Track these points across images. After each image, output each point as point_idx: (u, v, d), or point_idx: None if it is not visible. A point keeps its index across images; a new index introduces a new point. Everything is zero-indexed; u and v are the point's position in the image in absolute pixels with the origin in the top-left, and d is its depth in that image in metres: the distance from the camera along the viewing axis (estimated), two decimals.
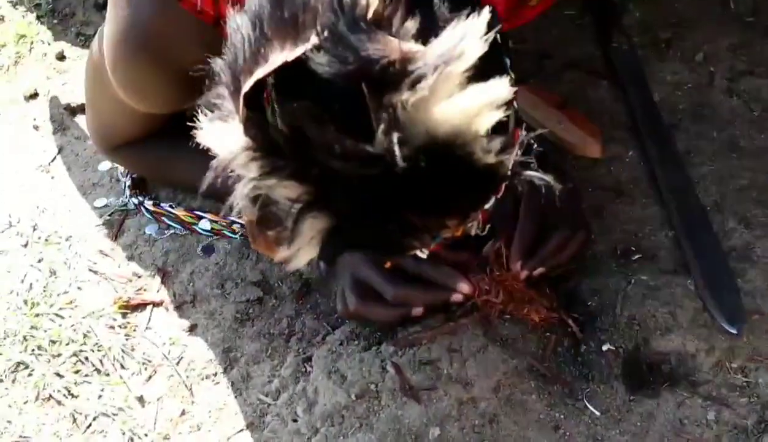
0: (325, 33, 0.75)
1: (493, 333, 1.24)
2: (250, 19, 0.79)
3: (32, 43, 1.73)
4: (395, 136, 0.74)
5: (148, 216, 1.43)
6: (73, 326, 1.32)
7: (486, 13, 0.77)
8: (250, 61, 0.78)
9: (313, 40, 0.75)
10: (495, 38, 0.78)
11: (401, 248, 0.86)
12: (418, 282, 1.20)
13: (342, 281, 1.24)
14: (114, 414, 1.23)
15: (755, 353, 1.20)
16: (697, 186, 1.38)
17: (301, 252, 0.84)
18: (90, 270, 1.38)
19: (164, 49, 1.16)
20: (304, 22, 0.76)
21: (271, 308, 1.32)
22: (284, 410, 1.21)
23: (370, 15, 0.75)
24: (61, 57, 1.70)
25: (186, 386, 1.26)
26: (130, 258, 1.40)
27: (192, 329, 1.32)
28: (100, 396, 1.25)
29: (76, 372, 1.27)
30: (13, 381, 1.27)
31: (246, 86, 0.78)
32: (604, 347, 1.23)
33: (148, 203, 1.44)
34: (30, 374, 1.28)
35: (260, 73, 0.77)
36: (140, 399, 1.25)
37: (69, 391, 1.26)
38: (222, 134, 0.81)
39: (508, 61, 0.89)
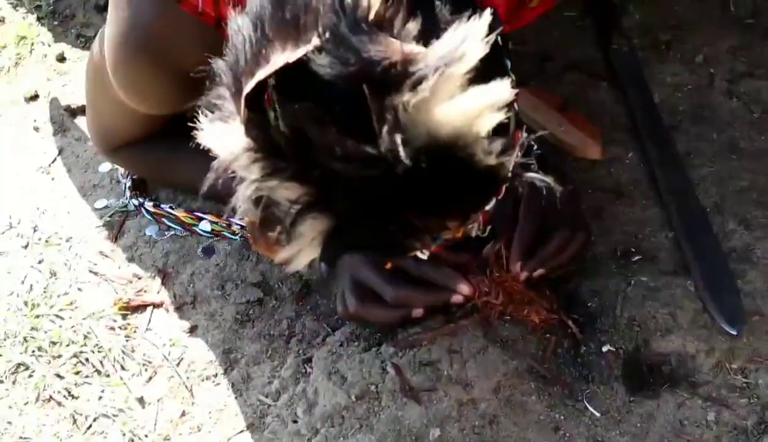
0: (327, 34, 0.75)
1: (493, 334, 1.24)
2: (252, 20, 0.79)
3: (33, 44, 1.73)
4: (397, 138, 0.74)
5: (149, 217, 1.44)
6: (73, 327, 1.32)
7: (487, 15, 0.77)
8: (251, 63, 0.78)
9: (315, 41, 0.75)
10: (496, 40, 0.78)
11: (402, 249, 0.86)
12: (418, 283, 1.20)
13: (342, 282, 1.24)
14: (114, 415, 1.23)
15: (755, 354, 1.20)
16: (697, 187, 1.38)
17: (302, 253, 0.84)
18: (90, 271, 1.38)
19: (165, 50, 1.16)
20: (305, 23, 0.76)
21: (272, 309, 1.33)
22: (284, 411, 1.22)
23: (371, 16, 0.76)
24: (61, 58, 1.70)
25: (186, 387, 1.26)
26: (131, 259, 1.40)
27: (192, 330, 1.32)
28: (100, 397, 1.25)
29: (77, 373, 1.27)
30: (14, 382, 1.27)
31: (247, 87, 0.78)
32: (604, 348, 1.23)
33: (149, 205, 1.44)
34: (30, 375, 1.28)
35: (261, 74, 0.77)
36: (140, 400, 1.25)
37: (69, 392, 1.26)
38: (223, 135, 0.81)
39: (508, 63, 0.89)
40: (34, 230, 1.44)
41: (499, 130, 0.78)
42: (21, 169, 1.54)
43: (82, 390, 1.26)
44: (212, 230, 1.40)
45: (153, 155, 1.41)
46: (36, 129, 1.60)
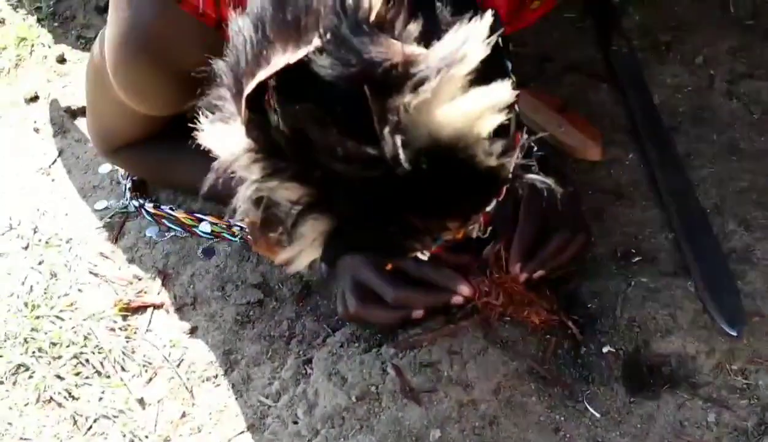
0: (328, 35, 0.75)
1: (494, 335, 1.24)
2: (252, 21, 0.79)
3: (33, 46, 1.73)
4: (398, 139, 0.74)
5: (149, 218, 1.44)
6: (73, 328, 1.32)
7: (488, 17, 0.78)
8: (252, 64, 0.78)
9: (316, 42, 0.75)
10: (497, 41, 0.78)
11: (402, 250, 0.86)
12: (418, 284, 1.20)
13: (342, 283, 1.24)
14: (114, 416, 1.24)
15: (755, 355, 1.20)
16: (697, 188, 1.38)
17: (303, 254, 0.84)
18: (90, 272, 1.38)
19: (165, 51, 1.16)
20: (306, 24, 0.76)
21: (272, 310, 1.33)
22: (285, 412, 1.22)
23: (372, 18, 0.76)
24: (61, 60, 1.70)
25: (186, 388, 1.26)
26: (131, 260, 1.40)
27: (192, 331, 1.32)
28: (100, 398, 1.25)
29: (77, 374, 1.27)
30: (14, 383, 1.27)
31: (248, 88, 0.78)
32: (605, 349, 1.23)
33: (149, 206, 1.44)
34: (31, 376, 1.28)
35: (262, 75, 0.77)
36: (141, 401, 1.25)
37: (69, 393, 1.26)
38: (224, 136, 0.81)
39: (509, 65, 0.89)
40: (35, 231, 1.44)
41: (500, 131, 0.78)
42: (21, 171, 1.54)
43: (83, 391, 1.26)
44: (212, 231, 1.40)
45: (153, 156, 1.41)
46: (36, 130, 1.60)
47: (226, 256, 1.38)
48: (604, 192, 1.40)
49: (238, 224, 1.37)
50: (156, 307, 1.34)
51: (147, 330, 1.32)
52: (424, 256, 0.91)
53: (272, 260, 0.88)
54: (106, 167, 1.52)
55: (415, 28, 0.77)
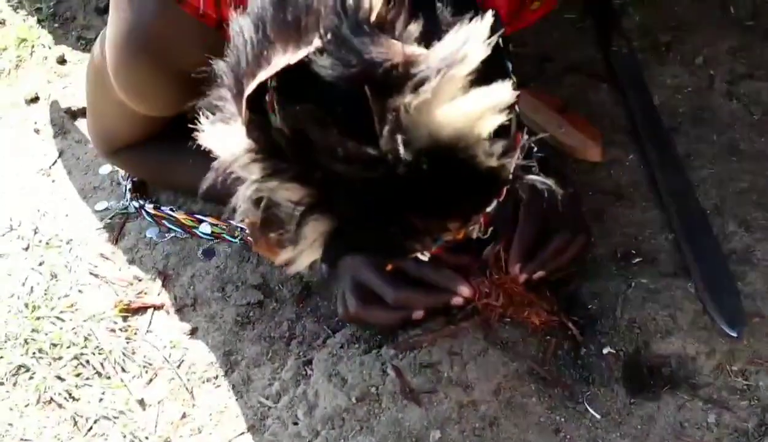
0: (328, 36, 0.75)
1: (494, 336, 1.24)
2: (253, 21, 0.79)
3: (33, 46, 1.73)
4: (399, 139, 0.74)
5: (149, 219, 1.44)
6: (74, 329, 1.32)
7: (489, 17, 0.78)
8: (252, 64, 0.78)
9: (316, 42, 0.75)
10: (497, 42, 0.78)
11: (403, 250, 0.86)
12: (418, 285, 1.20)
13: (343, 283, 1.24)
14: (115, 417, 1.23)
15: (755, 356, 1.20)
16: (697, 189, 1.38)
17: (303, 255, 0.84)
18: (91, 273, 1.38)
19: (165, 51, 1.16)
20: (306, 24, 0.76)
21: (272, 311, 1.33)
22: (285, 413, 1.22)
23: (373, 18, 0.76)
24: (61, 61, 1.70)
25: (187, 389, 1.26)
26: (131, 261, 1.40)
27: (193, 332, 1.32)
28: (101, 399, 1.25)
29: (77, 375, 1.27)
30: (14, 384, 1.27)
31: (249, 89, 0.78)
32: (605, 350, 1.23)
33: (149, 207, 1.44)
34: (31, 377, 1.28)
35: (263, 75, 0.77)
36: (141, 402, 1.25)
37: (70, 394, 1.26)
38: (224, 136, 0.81)
39: (510, 65, 0.89)
40: (35, 232, 1.44)
41: (501, 132, 0.78)
42: (21, 172, 1.54)
43: (83, 392, 1.26)
44: (212, 232, 1.40)
45: (153, 157, 1.41)
46: (36, 131, 1.60)
47: (227, 257, 1.38)
48: (604, 193, 1.40)
49: (239, 224, 1.37)
50: (156, 308, 1.34)
51: (147, 331, 1.32)
52: (424, 256, 0.90)
53: (272, 260, 0.88)
54: (106, 168, 1.52)
55: (415, 28, 0.77)
